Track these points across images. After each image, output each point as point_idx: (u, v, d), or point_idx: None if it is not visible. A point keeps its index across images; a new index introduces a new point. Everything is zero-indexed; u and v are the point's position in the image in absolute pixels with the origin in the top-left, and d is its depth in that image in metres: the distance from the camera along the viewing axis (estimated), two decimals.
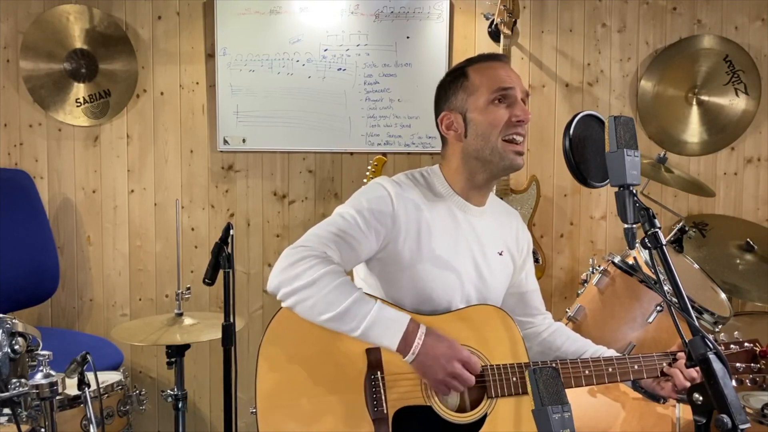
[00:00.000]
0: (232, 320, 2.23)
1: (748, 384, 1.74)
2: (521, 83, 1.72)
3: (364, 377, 1.59)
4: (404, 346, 1.53)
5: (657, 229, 1.28)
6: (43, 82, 3.17)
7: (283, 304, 1.60)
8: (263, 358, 1.59)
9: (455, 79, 1.74)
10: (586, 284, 2.42)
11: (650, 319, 2.18)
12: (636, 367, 1.69)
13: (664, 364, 1.69)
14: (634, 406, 1.96)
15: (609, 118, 1.33)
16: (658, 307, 2.18)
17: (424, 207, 1.71)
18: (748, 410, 1.96)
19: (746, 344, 1.74)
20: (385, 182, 1.71)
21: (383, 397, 1.57)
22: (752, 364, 1.73)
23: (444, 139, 1.78)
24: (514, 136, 1.68)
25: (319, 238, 1.62)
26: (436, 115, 1.78)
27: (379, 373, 1.58)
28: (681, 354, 1.68)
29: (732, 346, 1.74)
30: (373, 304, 1.54)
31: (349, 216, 1.64)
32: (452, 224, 1.73)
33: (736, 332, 1.88)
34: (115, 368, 2.57)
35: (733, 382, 1.65)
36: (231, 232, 2.22)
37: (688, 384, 1.64)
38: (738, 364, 1.72)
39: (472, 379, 1.56)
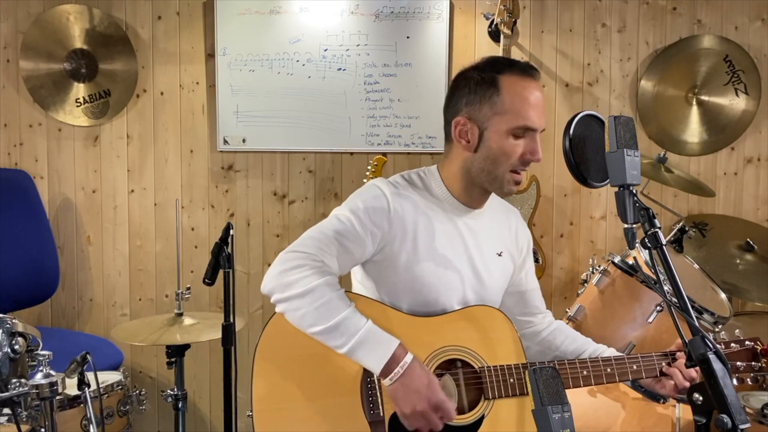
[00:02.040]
0: (232, 320, 2.23)
1: (749, 383, 1.73)
2: (543, 113, 1.66)
3: (360, 379, 1.58)
4: (387, 370, 1.52)
5: (657, 229, 1.28)
6: (43, 82, 3.17)
7: (275, 309, 1.60)
8: (259, 360, 1.59)
9: (485, 85, 1.64)
10: (586, 284, 2.42)
11: (650, 319, 2.18)
12: (635, 367, 1.68)
13: (663, 364, 1.69)
14: (634, 406, 1.97)
15: (609, 118, 1.33)
16: (658, 307, 2.18)
17: (421, 209, 1.69)
18: (748, 410, 1.96)
19: (747, 343, 1.74)
20: (382, 184, 1.70)
21: (379, 400, 1.57)
22: (753, 363, 1.73)
23: (450, 140, 1.72)
24: (520, 170, 1.66)
25: (315, 241, 1.60)
26: (452, 113, 1.69)
27: (375, 375, 1.58)
28: (680, 354, 1.68)
29: (733, 344, 1.74)
30: (363, 322, 1.53)
31: (345, 218, 1.63)
32: (449, 226, 1.72)
33: (737, 330, 1.88)
34: (115, 368, 2.57)
35: (734, 381, 1.65)
36: (231, 232, 2.22)
37: (688, 384, 1.64)
38: (739, 363, 1.72)
39: (440, 424, 1.54)
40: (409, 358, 1.53)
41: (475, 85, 1.66)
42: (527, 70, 1.67)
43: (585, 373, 1.66)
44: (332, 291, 1.55)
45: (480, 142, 1.66)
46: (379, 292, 1.70)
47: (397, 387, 1.52)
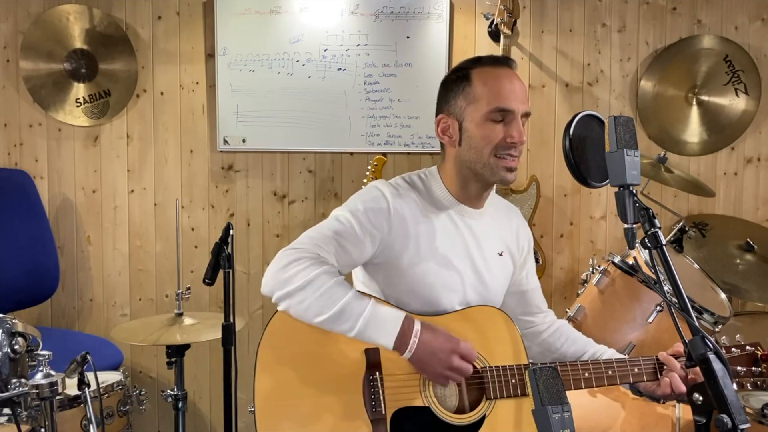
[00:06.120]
0: (232, 320, 2.23)
1: (749, 387, 1.73)
2: (524, 99, 1.67)
3: (362, 377, 1.59)
4: (400, 344, 1.53)
5: (657, 229, 1.28)
6: (43, 82, 3.17)
7: (277, 308, 1.60)
8: (262, 357, 1.59)
9: (458, 81, 1.70)
10: (586, 284, 2.41)
11: (650, 319, 2.18)
12: (636, 370, 1.68)
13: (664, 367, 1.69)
14: (634, 406, 1.96)
15: (609, 118, 1.33)
16: (658, 307, 2.18)
17: (422, 211, 1.70)
18: (748, 410, 1.96)
19: (747, 348, 1.74)
20: (382, 186, 1.70)
21: (381, 398, 1.57)
22: (753, 368, 1.73)
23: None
24: (506, 155, 1.66)
25: (313, 240, 1.61)
26: (436, 114, 1.75)
27: (377, 373, 1.58)
28: (674, 362, 1.67)
29: (733, 349, 1.74)
30: (367, 303, 1.54)
31: (345, 219, 1.64)
32: (450, 227, 1.72)
33: (738, 335, 1.87)
34: (115, 368, 2.57)
35: (734, 386, 1.65)
36: (231, 232, 2.22)
37: (684, 389, 1.63)
38: (739, 368, 1.72)
39: (470, 369, 1.56)
40: (417, 325, 1.54)
41: (450, 84, 1.72)
42: (499, 60, 1.72)
43: (587, 375, 1.66)
44: (331, 278, 1.55)
45: (461, 134, 1.68)
46: (384, 294, 1.71)
47: (419, 356, 1.53)
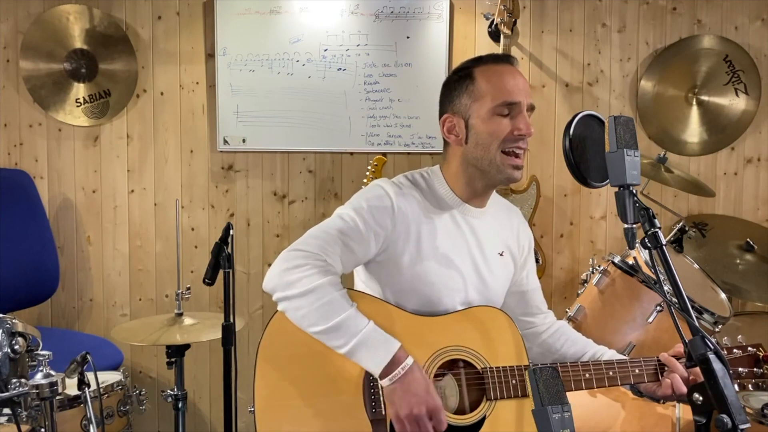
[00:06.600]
0: (232, 320, 2.23)
1: (751, 389, 1.73)
2: (528, 92, 1.69)
3: (362, 377, 1.59)
4: (387, 372, 1.52)
5: (657, 229, 1.28)
6: (43, 82, 3.17)
7: (277, 307, 1.60)
8: (262, 357, 1.60)
9: (461, 80, 1.71)
10: (586, 284, 2.41)
11: (650, 319, 2.18)
12: (637, 371, 1.68)
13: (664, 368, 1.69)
14: (634, 406, 1.96)
15: (609, 118, 1.33)
16: (658, 307, 2.18)
17: (424, 209, 1.70)
18: (748, 410, 1.96)
19: (749, 349, 1.74)
20: (386, 184, 1.70)
21: (381, 398, 1.57)
22: (755, 369, 1.73)
23: (445, 141, 1.76)
24: (514, 149, 1.66)
25: (318, 240, 1.61)
26: (440, 115, 1.76)
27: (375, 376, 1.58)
28: (676, 363, 1.67)
29: (735, 350, 1.74)
30: (364, 324, 1.54)
31: (349, 218, 1.64)
32: (452, 227, 1.72)
33: (739, 336, 1.87)
34: (115, 368, 2.57)
35: (736, 387, 1.65)
36: (231, 232, 2.22)
37: (686, 390, 1.63)
38: (741, 369, 1.71)
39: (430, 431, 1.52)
40: (410, 360, 1.53)
41: (453, 84, 1.73)
42: (501, 58, 1.74)
43: (587, 375, 1.66)
44: (334, 291, 1.55)
45: (468, 132, 1.69)
46: (384, 292, 1.71)
47: (396, 388, 1.52)
